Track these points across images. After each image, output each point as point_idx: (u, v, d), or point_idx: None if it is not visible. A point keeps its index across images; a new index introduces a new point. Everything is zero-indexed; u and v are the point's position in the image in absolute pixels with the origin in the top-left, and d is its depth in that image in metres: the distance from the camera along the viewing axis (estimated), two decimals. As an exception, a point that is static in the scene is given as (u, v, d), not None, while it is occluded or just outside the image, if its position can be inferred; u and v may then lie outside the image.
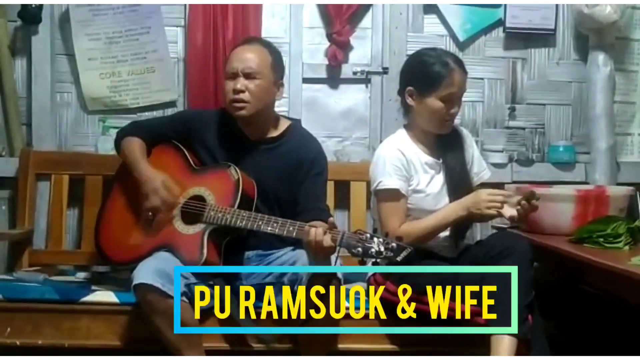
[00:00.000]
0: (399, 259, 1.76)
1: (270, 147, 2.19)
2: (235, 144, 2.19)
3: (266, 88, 2.14)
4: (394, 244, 1.76)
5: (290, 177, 2.16)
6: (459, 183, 2.14)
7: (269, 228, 1.95)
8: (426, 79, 2.06)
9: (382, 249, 1.76)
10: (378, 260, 1.80)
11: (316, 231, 1.82)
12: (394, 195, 2.07)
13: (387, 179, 2.06)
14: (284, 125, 2.24)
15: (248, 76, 2.12)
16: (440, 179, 2.14)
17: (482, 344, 1.88)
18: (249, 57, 2.14)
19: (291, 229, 1.91)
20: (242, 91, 2.10)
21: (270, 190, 2.15)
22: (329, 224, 1.84)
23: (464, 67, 2.10)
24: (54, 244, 2.62)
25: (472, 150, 2.24)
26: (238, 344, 2.07)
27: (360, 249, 1.77)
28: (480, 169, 2.24)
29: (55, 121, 2.76)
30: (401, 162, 2.08)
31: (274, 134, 2.21)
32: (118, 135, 2.26)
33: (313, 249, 1.84)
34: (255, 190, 2.11)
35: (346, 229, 2.66)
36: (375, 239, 1.78)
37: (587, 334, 2.29)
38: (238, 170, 2.08)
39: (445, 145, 2.17)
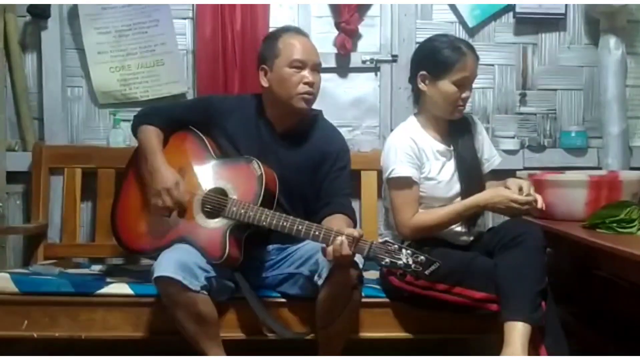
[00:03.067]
0: (427, 272, 1.75)
1: (294, 139, 2.14)
2: (259, 134, 2.14)
3: None
4: (422, 257, 1.75)
5: (314, 171, 2.12)
6: (470, 170, 2.13)
7: (294, 230, 1.89)
8: (439, 63, 2.05)
9: (411, 261, 1.75)
10: (406, 272, 1.78)
11: (342, 243, 1.78)
12: (406, 183, 2.06)
13: (400, 167, 2.06)
14: (308, 116, 2.19)
15: (314, 69, 2.10)
16: (451, 166, 2.13)
17: (496, 330, 1.88)
18: (315, 51, 2.14)
19: (317, 233, 1.86)
20: (313, 84, 2.09)
21: (294, 183, 2.10)
22: (358, 235, 1.80)
23: (475, 52, 2.09)
24: (69, 238, 2.65)
25: (481, 137, 2.23)
26: (254, 333, 2.07)
27: (388, 261, 1.77)
28: (490, 155, 2.23)
29: (67, 115, 2.78)
30: (413, 149, 2.07)
31: (300, 126, 2.16)
32: (136, 119, 2.17)
33: (337, 259, 1.80)
34: (277, 185, 2.05)
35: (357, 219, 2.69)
36: (403, 251, 1.77)
37: (601, 320, 2.28)
38: (261, 165, 2.01)
39: (455, 132, 2.16)
